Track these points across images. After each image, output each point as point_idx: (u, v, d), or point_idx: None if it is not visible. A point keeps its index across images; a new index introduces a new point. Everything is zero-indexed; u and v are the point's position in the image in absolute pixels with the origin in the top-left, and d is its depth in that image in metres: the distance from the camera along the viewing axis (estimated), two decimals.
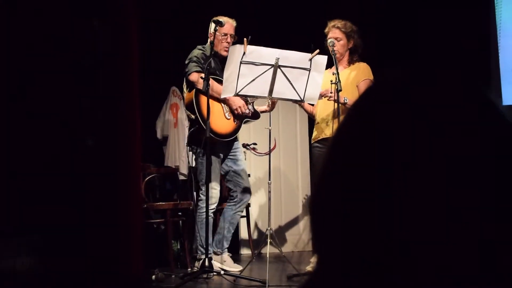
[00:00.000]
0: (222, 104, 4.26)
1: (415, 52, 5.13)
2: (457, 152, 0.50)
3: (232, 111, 4.26)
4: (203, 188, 4.12)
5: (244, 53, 3.64)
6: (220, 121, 4.21)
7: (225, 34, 4.24)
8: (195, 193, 4.40)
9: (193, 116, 4.13)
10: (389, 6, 5.53)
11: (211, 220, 4.15)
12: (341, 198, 0.53)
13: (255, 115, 4.37)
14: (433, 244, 0.48)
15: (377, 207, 0.50)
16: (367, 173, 0.51)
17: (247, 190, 4.37)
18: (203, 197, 4.13)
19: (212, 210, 4.17)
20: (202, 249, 4.07)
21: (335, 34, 3.98)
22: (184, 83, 4.27)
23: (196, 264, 4.13)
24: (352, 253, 0.52)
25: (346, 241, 0.52)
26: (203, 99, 3.95)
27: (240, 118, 4.29)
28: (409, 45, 5.17)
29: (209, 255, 4.00)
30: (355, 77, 3.99)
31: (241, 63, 3.64)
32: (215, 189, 4.20)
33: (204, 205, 4.06)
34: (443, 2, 5.18)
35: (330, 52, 3.90)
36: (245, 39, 3.69)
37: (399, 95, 0.53)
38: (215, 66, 4.17)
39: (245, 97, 4.18)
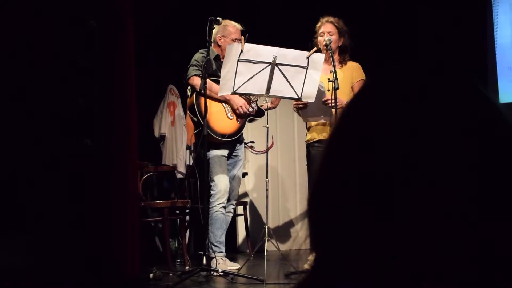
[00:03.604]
0: (224, 105, 4.26)
1: (413, 51, 5.14)
2: (457, 153, 0.50)
3: (234, 110, 4.27)
4: (213, 184, 4.18)
5: (241, 51, 3.64)
6: (222, 121, 4.22)
7: (234, 40, 4.24)
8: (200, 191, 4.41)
9: (195, 119, 4.16)
10: (389, 5, 5.54)
11: (223, 217, 4.21)
12: (340, 196, 0.53)
13: (260, 113, 4.38)
14: (433, 244, 0.48)
15: (377, 207, 0.50)
16: (367, 173, 0.51)
17: (234, 197, 4.44)
18: (213, 192, 4.17)
19: (222, 205, 4.19)
20: (213, 247, 4.07)
21: (328, 28, 3.95)
22: (188, 88, 4.29)
23: (213, 261, 3.98)
24: (350, 252, 0.51)
25: (344, 240, 0.52)
26: (204, 100, 3.96)
27: (244, 117, 4.30)
28: (407, 44, 5.18)
29: (218, 254, 4.01)
30: (350, 78, 3.98)
31: (238, 61, 3.64)
32: (223, 182, 4.21)
33: (214, 200, 4.15)
34: (442, 2, 5.19)
35: (321, 46, 3.88)
36: (242, 37, 3.69)
37: (399, 97, 0.53)
38: (217, 68, 4.16)
39: (246, 96, 4.20)
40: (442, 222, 0.48)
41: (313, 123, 4.07)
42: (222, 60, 4.06)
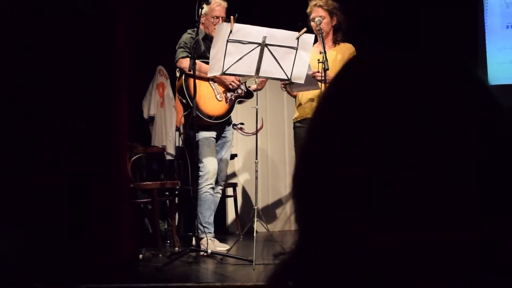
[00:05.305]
0: (213, 86, 4.25)
1: (403, 35, 5.12)
2: (456, 152, 0.49)
3: (226, 88, 4.26)
4: (201, 166, 4.17)
5: (230, 31, 3.61)
6: (211, 103, 4.21)
7: (217, 17, 4.22)
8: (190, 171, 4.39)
9: (184, 101, 4.14)
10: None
11: (211, 198, 4.21)
12: (324, 179, 0.52)
13: (249, 94, 4.38)
14: (433, 244, 0.48)
15: (376, 208, 0.49)
16: (365, 172, 0.50)
17: (222, 178, 4.44)
18: (201, 173, 4.17)
19: (210, 186, 4.19)
20: (202, 228, 4.07)
21: (318, 13, 3.97)
22: (177, 70, 4.26)
23: (202, 242, 3.96)
24: (336, 234, 0.51)
25: (329, 220, 0.51)
26: (192, 82, 3.93)
27: (233, 97, 4.29)
28: (398, 28, 5.16)
29: (207, 235, 4.01)
30: (342, 59, 3.99)
31: (227, 41, 3.61)
32: (211, 164, 4.21)
33: (203, 181, 4.15)
34: None
35: (315, 30, 3.89)
36: (232, 17, 3.65)
37: (398, 91, 0.52)
38: (206, 49, 4.14)
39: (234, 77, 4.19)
40: (442, 222, 0.48)
41: (302, 101, 4.08)
42: (211, 37, 4.03)
